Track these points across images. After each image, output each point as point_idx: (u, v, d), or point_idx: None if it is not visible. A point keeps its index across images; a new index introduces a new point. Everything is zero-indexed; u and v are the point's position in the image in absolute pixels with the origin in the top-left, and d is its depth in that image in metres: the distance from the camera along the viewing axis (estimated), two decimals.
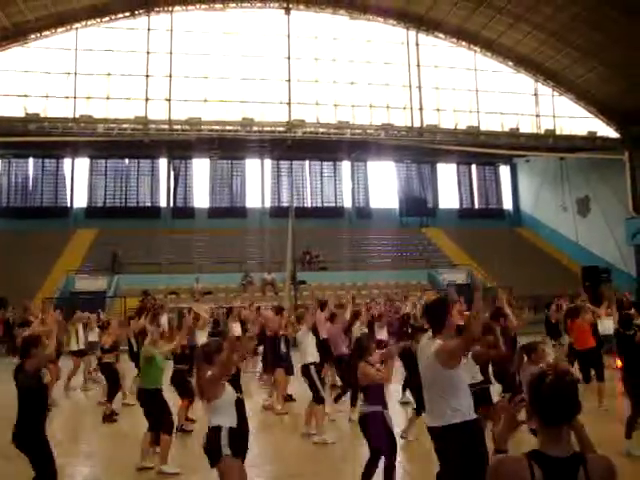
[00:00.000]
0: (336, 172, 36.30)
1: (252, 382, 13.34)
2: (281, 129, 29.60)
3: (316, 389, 8.79)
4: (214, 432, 5.16)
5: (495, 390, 7.62)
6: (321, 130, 30.04)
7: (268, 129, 29.56)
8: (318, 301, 12.44)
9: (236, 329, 13.74)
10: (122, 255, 27.99)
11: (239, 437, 5.42)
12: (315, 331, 10.28)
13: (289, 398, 11.92)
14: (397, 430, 7.36)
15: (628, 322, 8.24)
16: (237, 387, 6.45)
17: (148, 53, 30.40)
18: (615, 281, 28.32)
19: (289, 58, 31.11)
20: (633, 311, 12.68)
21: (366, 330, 12.64)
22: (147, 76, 30.07)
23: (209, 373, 5.23)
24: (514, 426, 2.74)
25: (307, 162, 35.55)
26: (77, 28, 29.51)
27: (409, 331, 11.41)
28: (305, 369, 9.06)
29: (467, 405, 4.71)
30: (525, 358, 6.73)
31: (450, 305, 5.16)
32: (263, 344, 13.31)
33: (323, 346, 10.45)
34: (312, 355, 9.15)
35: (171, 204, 34.02)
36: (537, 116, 33.32)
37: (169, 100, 29.73)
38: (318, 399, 8.70)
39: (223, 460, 5.09)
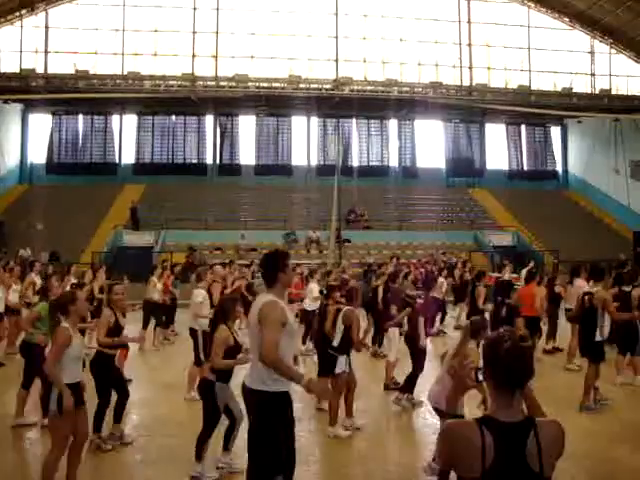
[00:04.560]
0: (383, 130, 35.73)
1: None
2: (328, 86, 29.35)
3: (197, 352, 8.64)
4: (50, 385, 5.02)
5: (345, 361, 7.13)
6: (368, 88, 29.69)
7: (315, 86, 29.33)
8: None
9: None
10: (142, 210, 27.90)
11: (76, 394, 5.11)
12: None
13: None
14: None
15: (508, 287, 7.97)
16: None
17: (195, 9, 30.40)
18: None
19: (337, 14, 30.69)
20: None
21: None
22: (194, 32, 30.12)
23: (64, 325, 5.11)
24: (463, 389, 2.71)
25: (354, 120, 35.05)
26: None
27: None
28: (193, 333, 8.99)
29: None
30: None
31: (287, 258, 4.60)
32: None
33: None
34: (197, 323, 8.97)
35: (217, 161, 34.12)
36: (592, 75, 32.30)
37: (216, 57, 29.76)
38: (198, 361, 8.57)
39: (49, 415, 5.02)
